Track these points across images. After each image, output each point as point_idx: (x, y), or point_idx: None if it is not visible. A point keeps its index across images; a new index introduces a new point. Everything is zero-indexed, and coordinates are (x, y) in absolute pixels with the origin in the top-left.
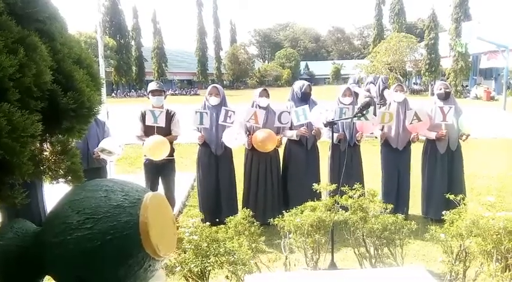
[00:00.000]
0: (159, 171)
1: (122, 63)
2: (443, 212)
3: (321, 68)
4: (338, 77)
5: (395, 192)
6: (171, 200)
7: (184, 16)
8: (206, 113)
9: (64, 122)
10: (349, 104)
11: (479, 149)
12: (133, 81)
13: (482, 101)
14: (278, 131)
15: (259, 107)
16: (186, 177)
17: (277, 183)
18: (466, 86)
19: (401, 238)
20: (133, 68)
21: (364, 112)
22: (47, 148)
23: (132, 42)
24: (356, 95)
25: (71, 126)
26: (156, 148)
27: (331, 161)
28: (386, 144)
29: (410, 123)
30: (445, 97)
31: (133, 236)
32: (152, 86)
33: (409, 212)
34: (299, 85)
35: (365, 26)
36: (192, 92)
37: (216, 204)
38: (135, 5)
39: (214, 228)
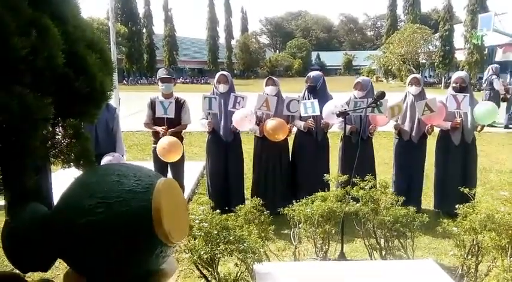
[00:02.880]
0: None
1: (133, 50)
2: (456, 206)
3: (332, 58)
4: (350, 68)
5: (407, 186)
6: (180, 187)
7: (196, 4)
8: (215, 98)
9: (76, 105)
10: (361, 98)
11: (491, 143)
12: (144, 68)
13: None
14: (288, 120)
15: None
16: (196, 165)
17: (286, 172)
18: (481, 78)
19: (413, 231)
20: (145, 56)
21: (378, 103)
22: (59, 132)
23: (144, 30)
24: (493, 88)
25: (83, 110)
26: (169, 154)
27: (342, 152)
28: (400, 136)
29: (423, 115)
30: (461, 91)
31: (146, 221)
32: (162, 73)
33: (421, 206)
34: (306, 77)
35: (378, 17)
36: (203, 81)
37: (224, 192)
38: None
39: (224, 215)
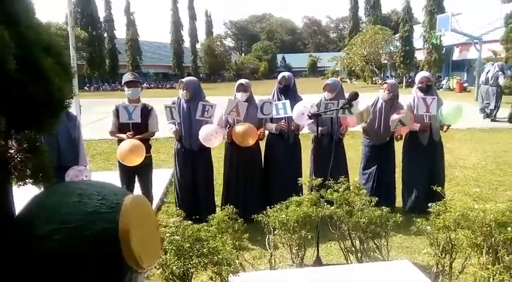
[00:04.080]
0: (135, 168)
1: (95, 55)
2: (429, 204)
3: (297, 60)
4: (315, 69)
5: (375, 186)
6: (148, 198)
7: (159, 7)
8: (174, 107)
9: (31, 115)
10: (331, 99)
11: (453, 140)
12: (106, 74)
13: (455, 93)
14: (261, 124)
15: None
16: (164, 173)
17: (258, 177)
18: (439, 77)
19: (387, 231)
20: (107, 61)
21: (353, 104)
22: (12, 146)
23: (105, 34)
24: (499, 85)
25: (39, 120)
26: (129, 155)
27: (314, 155)
28: (368, 138)
29: (394, 129)
30: (427, 90)
31: (113, 245)
32: (127, 77)
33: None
34: (278, 77)
35: (340, 19)
36: (168, 85)
37: (194, 201)
38: None
39: (196, 226)
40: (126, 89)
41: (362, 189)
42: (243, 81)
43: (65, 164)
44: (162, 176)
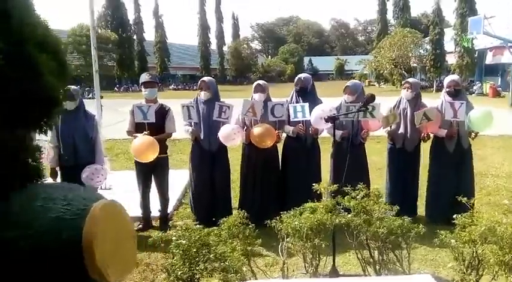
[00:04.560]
0: (152, 168)
1: (124, 57)
2: (454, 216)
3: (324, 63)
4: (342, 72)
5: (401, 193)
6: (164, 199)
7: (187, 10)
8: (193, 106)
9: (22, 113)
10: (351, 102)
11: (486, 147)
12: (135, 75)
13: (488, 98)
14: (278, 126)
15: None
16: (184, 174)
17: (275, 181)
18: (472, 81)
19: (408, 242)
20: (136, 62)
21: (369, 108)
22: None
23: (134, 36)
24: None
25: (30, 118)
26: (143, 151)
27: (333, 159)
28: (393, 142)
29: (420, 124)
30: (455, 94)
31: (75, 256)
32: (144, 77)
33: (418, 214)
34: (295, 79)
35: (369, 21)
36: (194, 87)
37: (210, 203)
38: None
39: (206, 230)
40: (143, 89)
41: (382, 197)
42: (260, 82)
43: (81, 162)
44: (182, 177)
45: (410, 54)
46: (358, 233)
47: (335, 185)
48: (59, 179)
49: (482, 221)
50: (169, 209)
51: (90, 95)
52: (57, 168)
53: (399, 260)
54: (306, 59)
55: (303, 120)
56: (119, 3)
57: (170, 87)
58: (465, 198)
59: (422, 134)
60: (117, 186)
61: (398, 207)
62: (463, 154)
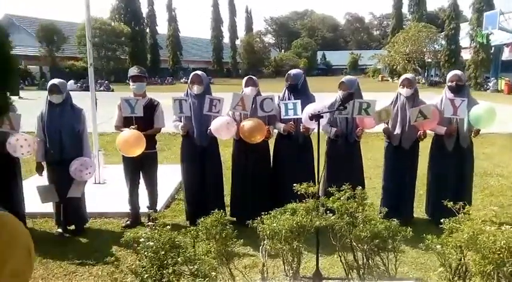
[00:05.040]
0: (140, 164)
1: (137, 50)
2: (441, 220)
3: (338, 58)
4: (356, 67)
5: (398, 192)
6: (152, 195)
7: (200, 3)
8: (185, 100)
9: None
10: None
11: (494, 146)
12: (148, 68)
13: (503, 94)
14: (269, 121)
15: None
16: (178, 168)
17: (267, 178)
18: (487, 78)
19: (396, 246)
20: (148, 56)
21: (347, 105)
22: None
23: (147, 30)
24: None
25: None
26: (128, 145)
27: (327, 158)
28: (390, 141)
29: (415, 121)
30: (457, 90)
31: None
32: (132, 71)
33: (415, 215)
34: (286, 75)
35: (384, 16)
36: None
37: (202, 200)
38: None
39: (182, 230)
40: (131, 83)
41: (367, 198)
42: (252, 76)
43: (67, 157)
44: (177, 172)
45: (425, 50)
46: (341, 236)
47: (316, 186)
48: (45, 174)
49: (465, 229)
50: (160, 205)
51: (102, 88)
52: (44, 163)
53: (385, 264)
54: (320, 54)
55: (294, 118)
56: None
57: (181, 81)
58: (450, 203)
59: (419, 133)
60: (112, 181)
61: (386, 208)
62: (462, 153)
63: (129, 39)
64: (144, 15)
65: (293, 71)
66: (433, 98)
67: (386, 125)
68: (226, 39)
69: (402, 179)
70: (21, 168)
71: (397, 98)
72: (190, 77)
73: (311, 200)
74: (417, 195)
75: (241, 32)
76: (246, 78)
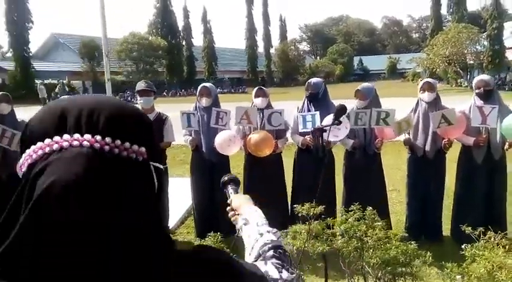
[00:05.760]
0: None
1: (174, 63)
2: (462, 246)
3: (376, 62)
4: (394, 71)
5: (423, 209)
6: (164, 211)
7: (234, 14)
8: (193, 114)
9: None
10: (363, 108)
11: None
12: (184, 80)
13: None
14: (277, 135)
15: (259, 109)
16: None
17: (280, 194)
18: None
19: (414, 272)
20: (185, 68)
21: (342, 119)
22: None
23: (183, 42)
24: None
25: None
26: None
27: (345, 171)
28: (413, 151)
29: (438, 127)
30: (486, 96)
31: None
32: (140, 85)
33: (445, 233)
34: (306, 84)
35: (423, 18)
36: (240, 90)
37: (212, 216)
38: (185, 5)
39: None
40: (138, 98)
41: (378, 221)
42: (262, 87)
43: None
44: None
45: (466, 51)
46: (350, 262)
47: (321, 207)
48: None
49: (481, 262)
50: (174, 221)
51: (133, 100)
52: None
53: None
54: (356, 59)
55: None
56: (169, 11)
57: (217, 91)
58: (468, 228)
59: (443, 141)
60: None
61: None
62: (493, 166)
63: (166, 53)
64: (180, 28)
65: (313, 80)
66: (453, 104)
67: (407, 136)
68: (260, 49)
69: (427, 194)
70: None
71: (417, 104)
72: (198, 90)
73: (315, 222)
74: (446, 211)
75: (275, 41)
76: (255, 89)
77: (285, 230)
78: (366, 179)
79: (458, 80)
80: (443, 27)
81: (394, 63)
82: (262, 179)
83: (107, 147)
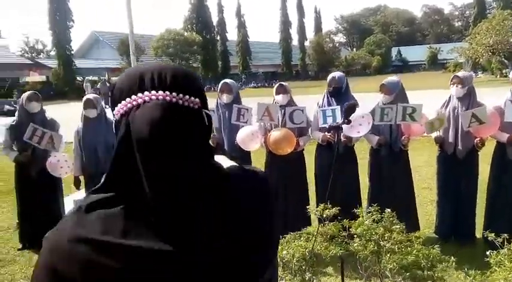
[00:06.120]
0: None
1: (208, 58)
2: (488, 252)
3: (415, 53)
4: (435, 62)
5: (455, 209)
6: None
7: (268, 7)
8: (213, 111)
9: None
10: (388, 104)
11: None
12: (219, 75)
13: None
14: (299, 133)
15: (280, 106)
16: None
17: (302, 193)
18: None
19: (436, 277)
20: (219, 63)
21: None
22: None
23: (218, 37)
24: None
25: None
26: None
27: (370, 169)
28: (443, 150)
29: (469, 127)
30: None
31: None
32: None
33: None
34: (328, 79)
35: (466, 5)
36: (274, 84)
37: None
38: (220, 0)
39: None
40: None
41: (396, 223)
42: (283, 82)
43: (103, 171)
44: None
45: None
46: (367, 266)
47: (334, 209)
48: (82, 187)
49: (500, 273)
50: None
51: None
52: (81, 177)
53: None
54: (395, 50)
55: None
56: (204, 6)
57: (250, 86)
58: (491, 235)
59: (476, 140)
60: None
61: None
62: None
63: (200, 48)
64: (215, 23)
65: (337, 74)
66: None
67: (439, 133)
68: (295, 42)
69: (459, 194)
70: (61, 182)
71: (449, 99)
72: (219, 86)
73: (330, 224)
74: (480, 211)
75: (310, 33)
76: (276, 85)
77: (299, 232)
78: (391, 177)
79: (504, 71)
80: (487, 15)
81: (435, 54)
82: (283, 177)
83: (174, 100)
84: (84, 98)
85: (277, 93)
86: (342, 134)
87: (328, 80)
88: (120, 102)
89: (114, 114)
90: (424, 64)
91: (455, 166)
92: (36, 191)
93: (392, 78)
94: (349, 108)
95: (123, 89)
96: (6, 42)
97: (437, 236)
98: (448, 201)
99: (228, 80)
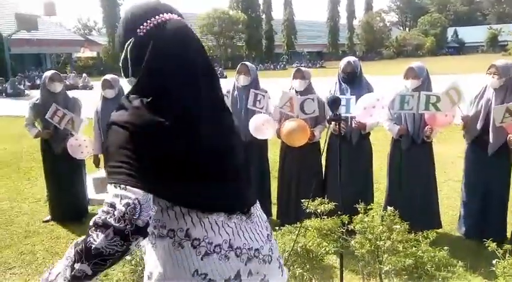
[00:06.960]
0: None
1: (253, 37)
2: (494, 261)
3: (473, 34)
4: (495, 44)
5: (483, 210)
6: None
7: None
8: (227, 95)
9: None
10: (415, 89)
11: None
12: (263, 54)
13: None
14: (316, 123)
15: (296, 92)
16: None
17: (314, 183)
18: None
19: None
20: (263, 42)
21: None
22: None
23: (263, 16)
24: None
25: None
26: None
27: (389, 161)
28: (472, 144)
29: (502, 122)
30: None
31: None
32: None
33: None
34: (341, 64)
35: None
36: (318, 65)
37: None
38: None
39: None
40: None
41: (396, 220)
42: (302, 68)
43: None
44: None
45: None
46: (365, 264)
47: (333, 204)
48: (102, 166)
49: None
50: None
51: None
52: (100, 156)
53: None
54: (451, 30)
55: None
56: None
57: (293, 65)
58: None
59: (508, 136)
60: None
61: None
62: None
63: (245, 27)
64: (260, 1)
65: (351, 58)
66: None
67: (464, 113)
68: (343, 20)
69: (488, 193)
70: (85, 160)
71: (484, 90)
72: (237, 68)
73: (328, 219)
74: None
75: (359, 12)
76: (294, 70)
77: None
78: (411, 171)
79: (489, 66)
80: None
81: (495, 35)
82: (297, 168)
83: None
84: (102, 79)
85: (295, 78)
86: (354, 121)
87: (342, 65)
88: (141, 24)
89: (136, 33)
90: (483, 46)
91: (485, 162)
92: (61, 167)
93: (419, 63)
94: (333, 102)
95: (139, 14)
96: (61, 19)
97: (462, 235)
98: (476, 202)
99: (247, 62)
